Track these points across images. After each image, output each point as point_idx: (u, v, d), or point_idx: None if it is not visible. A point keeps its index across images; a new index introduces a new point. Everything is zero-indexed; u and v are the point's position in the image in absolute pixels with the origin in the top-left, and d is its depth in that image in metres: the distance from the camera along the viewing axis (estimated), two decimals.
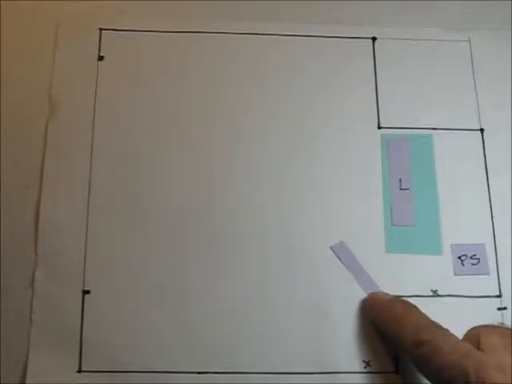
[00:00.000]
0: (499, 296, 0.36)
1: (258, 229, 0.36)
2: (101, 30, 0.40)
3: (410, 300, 0.35)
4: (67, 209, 0.36)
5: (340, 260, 0.36)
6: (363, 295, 0.35)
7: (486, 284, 0.36)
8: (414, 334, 0.29)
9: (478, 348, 0.28)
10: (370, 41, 0.40)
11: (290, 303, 0.35)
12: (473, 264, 0.36)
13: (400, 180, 0.38)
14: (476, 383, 0.26)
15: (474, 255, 0.36)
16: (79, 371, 0.34)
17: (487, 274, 0.36)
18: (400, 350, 0.33)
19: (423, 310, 0.35)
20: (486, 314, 0.35)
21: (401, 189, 0.37)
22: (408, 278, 0.36)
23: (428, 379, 0.29)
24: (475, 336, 0.29)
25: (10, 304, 0.35)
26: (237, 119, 0.38)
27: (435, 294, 0.35)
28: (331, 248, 0.36)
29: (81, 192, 0.37)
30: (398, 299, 0.33)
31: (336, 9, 0.41)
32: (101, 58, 0.39)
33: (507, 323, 0.35)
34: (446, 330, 0.29)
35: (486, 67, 0.40)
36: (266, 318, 0.35)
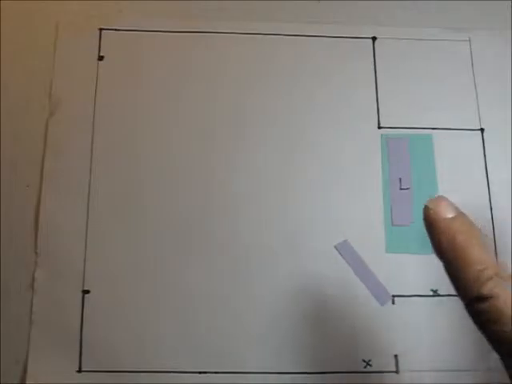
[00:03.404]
0: None
1: (258, 229, 0.36)
2: (101, 30, 0.40)
3: (410, 300, 0.35)
4: (67, 209, 0.36)
5: (344, 259, 0.36)
6: (366, 294, 0.35)
7: None
8: (475, 284, 0.25)
9: None
10: (370, 41, 0.40)
11: (290, 303, 0.35)
12: None
13: (400, 180, 0.38)
14: None
15: None
16: (79, 371, 0.34)
17: None
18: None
19: (423, 309, 0.35)
20: None
21: (401, 189, 0.37)
22: (408, 277, 0.36)
23: (484, 336, 0.25)
24: None
25: (9, 304, 0.35)
26: (237, 119, 0.38)
27: (435, 293, 0.35)
28: (335, 247, 0.36)
29: (81, 192, 0.37)
30: (459, 220, 0.27)
31: (336, 9, 0.41)
32: (101, 58, 0.39)
33: None
34: (509, 280, 0.25)
35: (486, 67, 0.40)
36: (266, 317, 0.35)
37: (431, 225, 0.27)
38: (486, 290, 0.24)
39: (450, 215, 0.26)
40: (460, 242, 0.26)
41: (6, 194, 0.37)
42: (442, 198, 0.27)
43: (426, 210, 0.27)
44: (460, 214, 0.27)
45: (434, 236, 0.26)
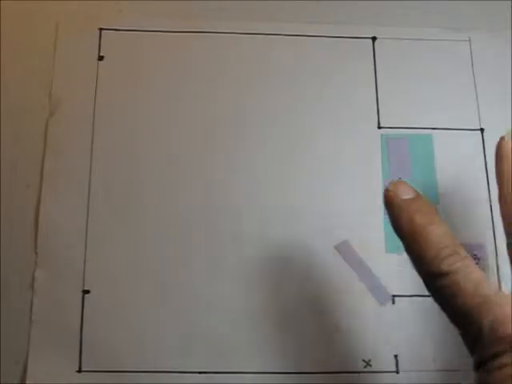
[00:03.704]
0: None
1: (258, 229, 0.36)
2: (101, 29, 0.40)
3: (410, 300, 0.35)
4: (67, 209, 0.36)
5: (344, 259, 0.36)
6: (366, 294, 0.35)
7: None
8: (435, 261, 0.25)
9: None
10: (370, 41, 0.40)
11: (290, 303, 0.35)
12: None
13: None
14: (488, 337, 0.23)
15: (474, 255, 0.36)
16: (79, 371, 0.34)
17: (487, 274, 0.36)
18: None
19: (423, 309, 0.35)
20: None
21: None
22: (408, 277, 0.36)
23: (444, 312, 0.26)
24: None
25: (9, 304, 0.35)
26: (237, 119, 0.38)
27: None
28: (335, 247, 0.36)
29: (81, 192, 0.37)
30: (418, 201, 0.27)
31: (336, 9, 0.41)
32: (101, 58, 0.39)
33: None
34: (468, 258, 0.26)
35: (486, 67, 0.40)
36: (266, 317, 0.35)
37: (391, 205, 0.27)
38: (446, 266, 0.25)
39: (408, 196, 0.27)
40: (419, 220, 0.26)
41: (6, 194, 0.37)
42: (401, 181, 0.28)
43: (386, 191, 0.28)
44: (418, 196, 0.27)
45: (393, 216, 0.27)
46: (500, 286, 0.36)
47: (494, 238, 0.37)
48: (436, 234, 0.26)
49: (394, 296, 0.35)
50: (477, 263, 0.36)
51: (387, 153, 0.38)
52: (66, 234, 0.36)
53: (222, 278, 0.35)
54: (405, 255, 0.36)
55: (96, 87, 0.38)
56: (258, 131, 0.38)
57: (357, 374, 0.34)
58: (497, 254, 0.36)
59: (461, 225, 0.37)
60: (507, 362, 0.23)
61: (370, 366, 0.34)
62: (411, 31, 0.41)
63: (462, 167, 0.38)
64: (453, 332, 0.35)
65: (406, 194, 0.27)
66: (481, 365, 0.24)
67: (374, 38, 0.40)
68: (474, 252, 0.36)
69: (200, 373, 0.34)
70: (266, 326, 0.35)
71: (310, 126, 0.38)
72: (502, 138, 0.30)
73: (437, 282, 0.25)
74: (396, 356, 0.34)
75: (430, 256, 0.26)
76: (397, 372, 0.34)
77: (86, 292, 0.35)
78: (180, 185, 0.37)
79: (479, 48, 0.40)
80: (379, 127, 0.39)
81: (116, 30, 0.40)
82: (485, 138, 0.39)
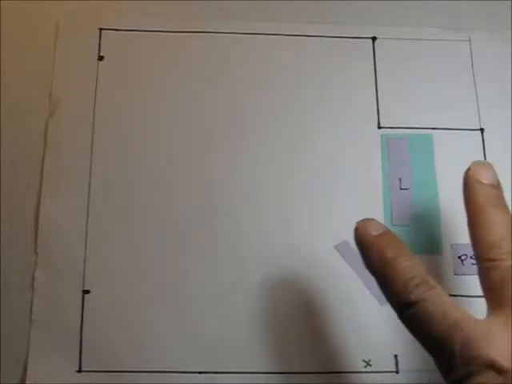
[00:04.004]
0: None
1: (259, 228, 0.36)
2: (101, 29, 0.40)
3: None
4: (67, 209, 0.36)
5: (344, 259, 0.36)
6: (366, 294, 0.35)
7: None
8: (404, 291, 0.26)
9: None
10: (370, 41, 0.40)
11: (290, 303, 0.35)
12: (473, 264, 0.36)
13: (400, 180, 0.38)
14: (460, 358, 0.24)
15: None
16: (79, 371, 0.34)
17: None
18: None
19: None
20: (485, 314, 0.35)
21: (401, 189, 0.37)
22: None
23: (418, 341, 0.27)
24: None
25: (9, 304, 0.35)
26: (237, 119, 0.38)
27: None
28: (335, 247, 0.36)
29: (81, 192, 0.37)
30: (387, 236, 0.28)
31: (336, 9, 0.41)
32: (101, 58, 0.39)
33: None
34: (437, 287, 0.26)
35: (486, 67, 0.40)
36: (266, 317, 0.35)
37: (361, 241, 0.28)
38: (414, 296, 0.26)
39: (378, 232, 0.28)
40: (388, 254, 0.27)
41: (6, 194, 0.37)
42: (369, 218, 0.29)
43: (356, 229, 0.28)
44: (387, 231, 0.28)
45: (364, 252, 0.28)
46: None
47: None
48: (404, 265, 0.27)
49: None
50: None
51: (387, 153, 0.38)
52: (66, 233, 0.36)
53: (221, 277, 0.35)
54: None
55: (96, 87, 0.39)
56: (258, 131, 0.38)
57: (357, 374, 0.34)
58: None
59: (461, 224, 0.37)
60: (479, 381, 0.23)
61: (370, 365, 0.34)
62: (411, 31, 0.41)
63: (461, 167, 0.38)
64: None
65: (375, 230, 0.28)
66: None
67: (374, 38, 0.40)
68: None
69: (200, 373, 0.34)
70: (265, 326, 0.35)
71: (310, 126, 0.38)
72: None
73: (408, 311, 0.26)
74: (396, 356, 0.34)
75: (399, 286, 0.26)
76: (397, 372, 0.34)
77: (86, 292, 0.35)
78: (180, 185, 0.37)
79: (479, 48, 0.40)
80: (379, 127, 0.39)
81: (116, 30, 0.40)
82: (485, 138, 0.39)
